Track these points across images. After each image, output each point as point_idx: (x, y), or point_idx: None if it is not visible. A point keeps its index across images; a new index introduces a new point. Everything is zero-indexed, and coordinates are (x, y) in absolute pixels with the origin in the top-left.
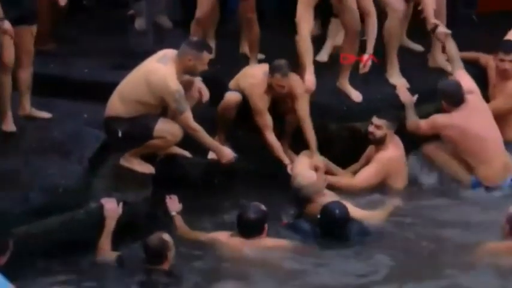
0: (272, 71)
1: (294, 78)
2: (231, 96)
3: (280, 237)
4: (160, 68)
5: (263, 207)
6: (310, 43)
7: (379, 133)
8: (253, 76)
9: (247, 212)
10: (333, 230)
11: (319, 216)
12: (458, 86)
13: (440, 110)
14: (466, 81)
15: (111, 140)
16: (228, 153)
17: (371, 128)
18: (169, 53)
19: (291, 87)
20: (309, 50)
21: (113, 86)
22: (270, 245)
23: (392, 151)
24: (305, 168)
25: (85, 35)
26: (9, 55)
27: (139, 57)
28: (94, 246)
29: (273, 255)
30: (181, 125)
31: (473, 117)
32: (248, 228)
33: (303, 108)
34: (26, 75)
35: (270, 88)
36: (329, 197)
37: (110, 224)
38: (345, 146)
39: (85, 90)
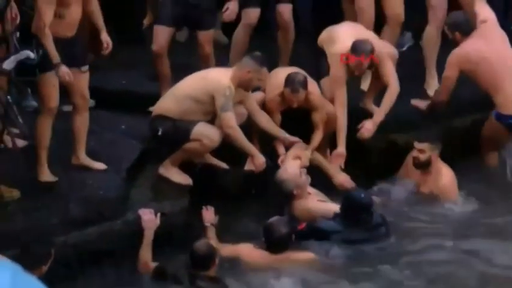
0: (285, 82)
1: (311, 90)
2: (256, 96)
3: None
4: (220, 70)
5: (285, 218)
6: (345, 116)
7: (423, 157)
8: (276, 77)
9: (277, 227)
10: (358, 215)
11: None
12: (465, 15)
13: (477, 123)
14: (485, 11)
15: (151, 139)
16: (262, 160)
17: (414, 154)
18: (229, 69)
19: (307, 100)
20: (345, 125)
21: (150, 97)
22: (296, 258)
23: (447, 169)
24: (291, 164)
25: (123, 45)
26: (55, 99)
27: (179, 68)
28: (132, 257)
29: (299, 268)
30: (222, 123)
31: (486, 42)
32: (280, 244)
33: (319, 118)
34: (81, 122)
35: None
36: (314, 198)
37: (149, 235)
38: (381, 158)
39: (123, 101)
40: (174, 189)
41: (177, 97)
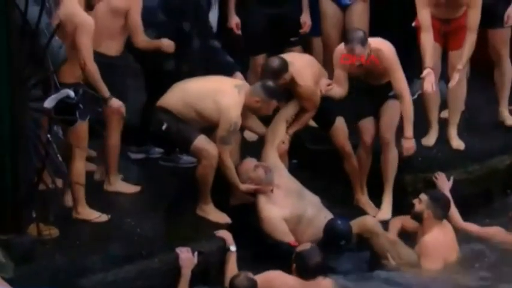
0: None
1: (302, 82)
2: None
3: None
4: (233, 95)
5: (317, 247)
6: None
7: (418, 207)
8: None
9: (312, 255)
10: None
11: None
12: None
13: None
14: None
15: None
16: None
17: (414, 200)
18: (245, 85)
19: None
20: None
21: None
22: (324, 285)
23: (439, 232)
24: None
25: None
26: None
27: None
28: None
29: None
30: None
31: None
32: (316, 271)
33: (308, 106)
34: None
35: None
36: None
37: (186, 273)
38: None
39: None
40: (212, 228)
41: (187, 104)
